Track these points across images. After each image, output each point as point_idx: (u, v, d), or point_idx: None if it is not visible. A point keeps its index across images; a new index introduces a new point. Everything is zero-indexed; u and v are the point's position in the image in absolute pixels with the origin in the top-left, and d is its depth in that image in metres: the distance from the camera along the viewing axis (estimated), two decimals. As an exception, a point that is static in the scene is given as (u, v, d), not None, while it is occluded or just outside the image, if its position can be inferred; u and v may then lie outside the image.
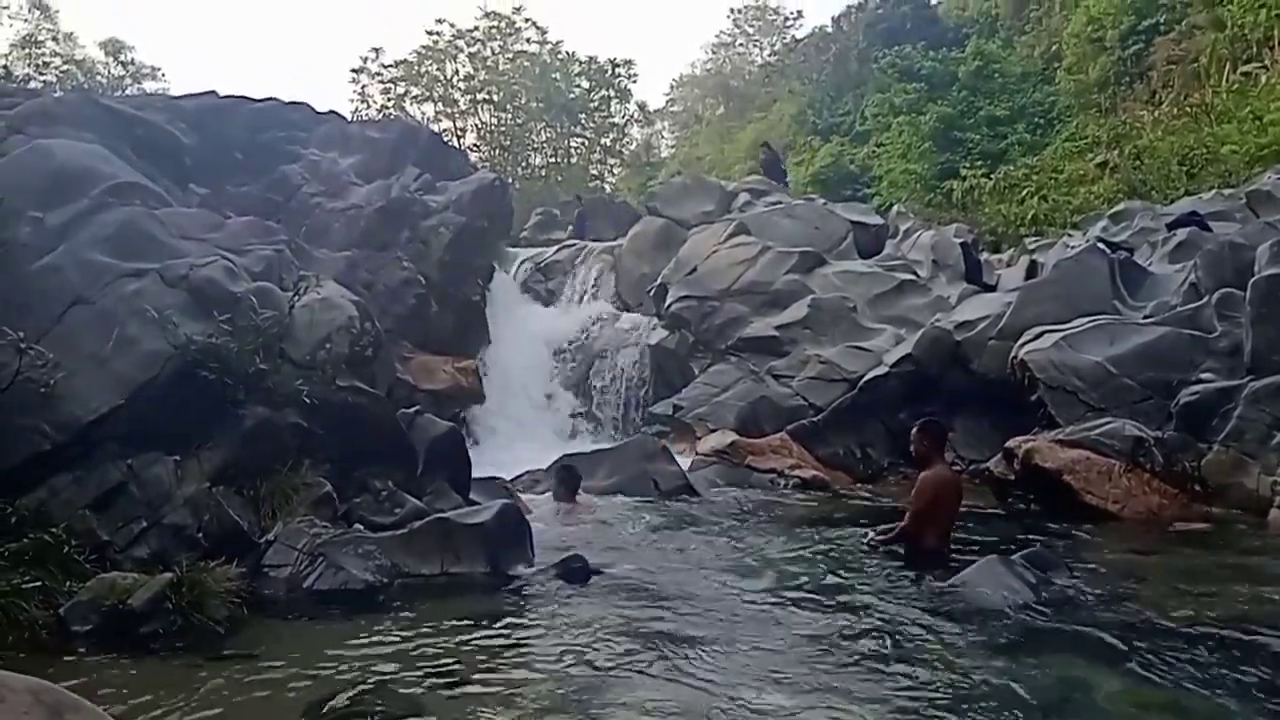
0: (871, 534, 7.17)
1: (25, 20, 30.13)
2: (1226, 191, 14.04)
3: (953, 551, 6.75)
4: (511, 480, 9.79)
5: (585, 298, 16.67)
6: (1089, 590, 5.84)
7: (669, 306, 14.66)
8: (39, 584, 4.98)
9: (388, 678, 4.33)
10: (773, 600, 5.70)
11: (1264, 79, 19.07)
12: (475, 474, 8.34)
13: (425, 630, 5.12)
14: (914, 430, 7.08)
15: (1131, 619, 5.22)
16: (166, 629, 4.96)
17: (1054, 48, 27.12)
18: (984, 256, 15.90)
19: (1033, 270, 13.33)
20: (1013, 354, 10.32)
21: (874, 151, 28.95)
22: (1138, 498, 8.32)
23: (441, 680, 4.31)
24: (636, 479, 10.04)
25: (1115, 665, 4.47)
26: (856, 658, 4.60)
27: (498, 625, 5.27)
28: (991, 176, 22.73)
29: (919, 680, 4.27)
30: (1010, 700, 4.02)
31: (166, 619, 5.00)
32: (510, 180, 26.27)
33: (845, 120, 33.00)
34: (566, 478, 9.19)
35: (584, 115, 37.70)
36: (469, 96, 36.44)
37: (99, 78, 30.73)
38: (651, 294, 15.50)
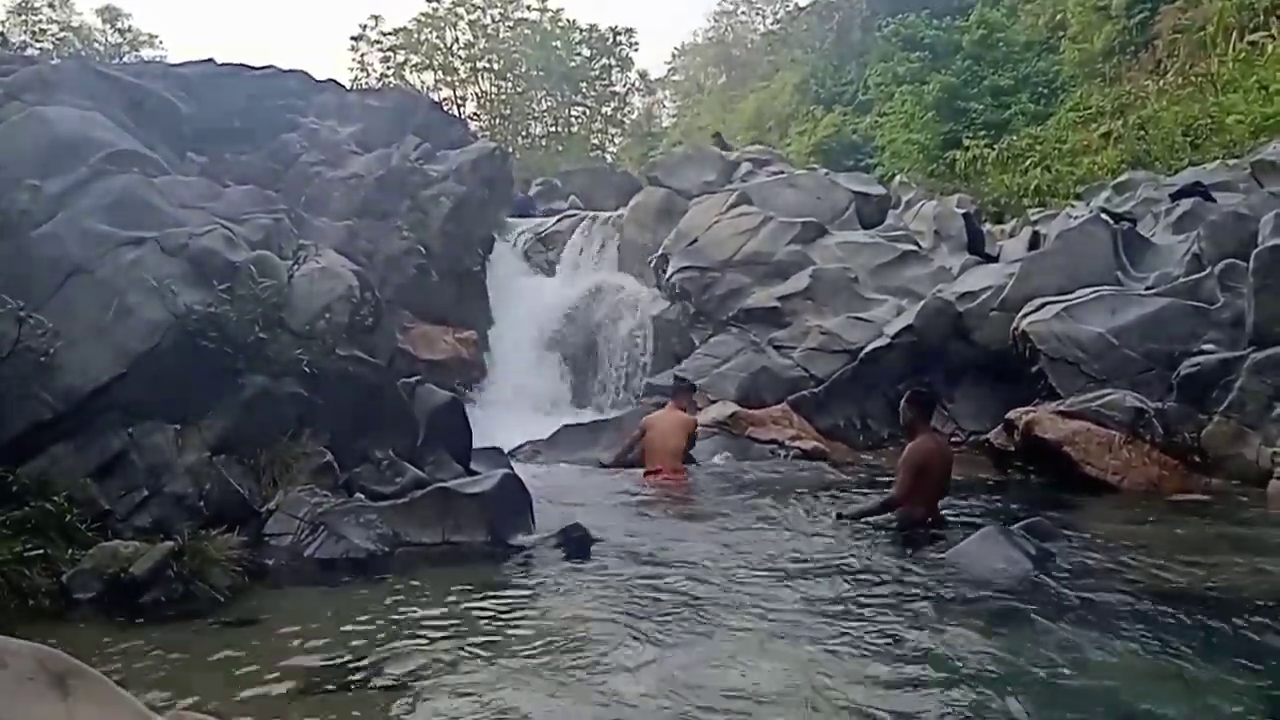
0: (844, 510, 7.15)
1: (21, -14, 29.90)
2: (1231, 162, 13.96)
3: (944, 521, 6.75)
4: (512, 450, 9.80)
5: (586, 268, 16.61)
6: (1088, 561, 5.86)
7: (670, 277, 14.61)
8: (41, 552, 5.00)
9: (389, 645, 4.35)
10: (771, 570, 5.72)
11: (1270, 48, 18.90)
12: (476, 444, 8.35)
13: (426, 598, 5.14)
14: (902, 400, 7.11)
15: (1131, 589, 5.23)
16: (168, 597, 4.99)
17: (1058, 16, 26.86)
18: (986, 227, 15.83)
19: (1035, 241, 13.27)
20: (1014, 325, 10.30)
21: (877, 121, 28.79)
22: (1138, 469, 8.34)
23: (442, 648, 4.32)
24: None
25: (1115, 636, 4.48)
26: (855, 628, 4.61)
27: (499, 593, 5.29)
28: (995, 146, 22.61)
29: (917, 650, 4.29)
30: (1009, 670, 4.04)
31: (168, 587, 5.02)
32: (510, 149, 26.13)
33: (848, 90, 32.79)
34: (682, 384, 9.71)
35: (585, 84, 37.50)
36: (469, 65, 36.22)
37: (96, 45, 30.54)
38: (652, 265, 15.45)
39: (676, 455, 8.95)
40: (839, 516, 7.06)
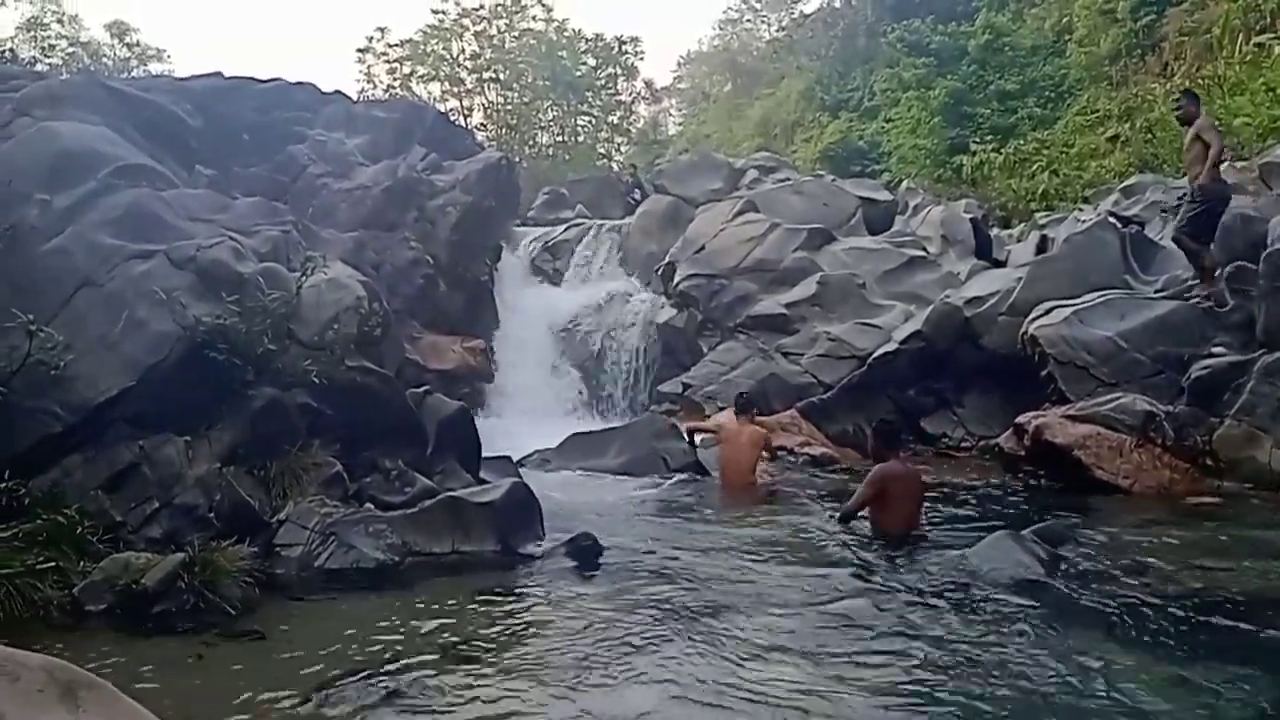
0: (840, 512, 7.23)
1: (30, 2, 30.05)
2: (1239, 164, 13.89)
3: (925, 537, 6.72)
4: (521, 459, 9.80)
5: (593, 277, 16.64)
6: (1100, 565, 5.83)
7: (677, 285, 14.62)
8: (53, 564, 5.02)
9: (400, 655, 4.35)
10: (781, 577, 5.71)
11: (1277, 50, 18.82)
12: (485, 453, 8.36)
13: (436, 608, 5.15)
14: (869, 431, 7.50)
15: (1142, 594, 5.21)
16: (179, 608, 5.00)
17: (1065, 20, 26.80)
18: (994, 232, 15.81)
19: (1043, 245, 13.23)
20: (1023, 329, 10.27)
21: (883, 127, 28.74)
22: (1148, 473, 8.30)
23: (453, 658, 4.33)
24: (646, 457, 10.05)
25: (1127, 640, 4.47)
26: (866, 634, 4.60)
27: (508, 603, 5.29)
28: (1001, 151, 22.55)
29: (930, 655, 4.27)
30: (1021, 675, 4.02)
31: (179, 598, 5.03)
32: (517, 159, 26.18)
33: (854, 96, 32.75)
34: (743, 400, 9.86)
35: (591, 93, 37.54)
36: (475, 75, 36.31)
37: (104, 60, 30.70)
38: (660, 272, 15.46)
39: (751, 470, 9.31)
40: (833, 517, 7.18)
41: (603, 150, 39.09)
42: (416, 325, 13.45)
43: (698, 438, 10.25)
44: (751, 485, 9.22)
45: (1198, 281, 9.63)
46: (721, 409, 11.80)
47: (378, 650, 4.42)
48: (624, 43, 38.04)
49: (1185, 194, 9.75)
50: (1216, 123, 12.40)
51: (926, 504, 7.20)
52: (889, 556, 6.18)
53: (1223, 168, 9.82)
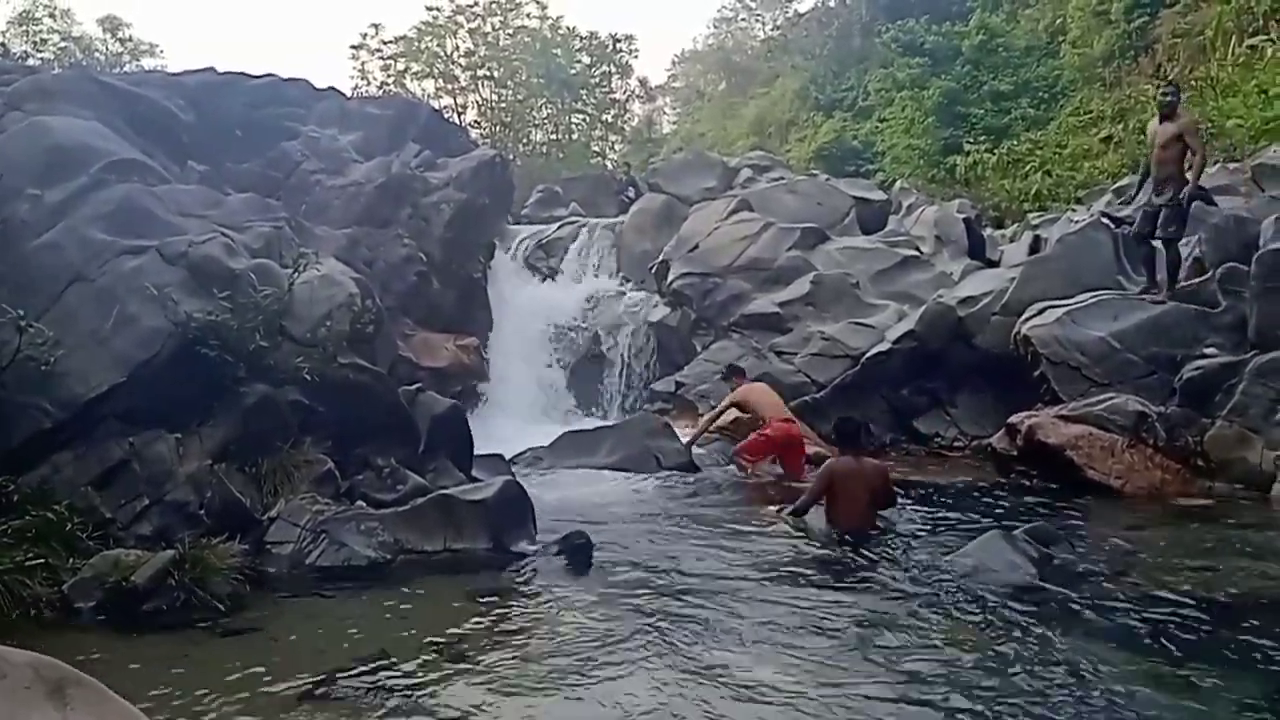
0: (785, 508, 7.40)
1: (22, -3, 29.89)
2: (1231, 165, 13.92)
3: (876, 532, 6.78)
4: (514, 457, 9.79)
5: (587, 275, 16.61)
6: (1091, 565, 5.85)
7: (671, 283, 14.61)
8: (42, 561, 5.01)
9: (390, 653, 4.34)
10: (774, 577, 5.70)
11: (1270, 52, 18.86)
12: (477, 451, 8.34)
13: (428, 606, 5.14)
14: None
15: (1134, 594, 5.22)
16: (170, 605, 4.99)
17: (1058, 21, 26.85)
18: (987, 232, 15.82)
19: (1036, 245, 13.25)
20: (1016, 329, 10.29)
21: (877, 127, 28.77)
22: (1140, 473, 8.31)
23: (444, 656, 4.32)
24: (639, 456, 10.04)
25: (1118, 640, 4.47)
26: (858, 635, 4.60)
27: (500, 601, 5.28)
28: (995, 151, 22.61)
29: (920, 656, 4.27)
30: (1013, 675, 4.02)
31: (170, 595, 5.02)
32: (511, 157, 26.10)
33: (848, 95, 32.76)
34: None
35: (585, 91, 37.45)
36: (469, 73, 36.18)
37: (97, 54, 30.53)
38: (653, 271, 15.45)
39: (783, 409, 10.19)
40: (780, 514, 7.34)
41: (597, 148, 39.00)
42: (409, 322, 13.40)
43: (699, 439, 10.57)
44: (796, 424, 10.02)
45: (1196, 281, 9.62)
46: (714, 407, 11.79)
47: (368, 648, 4.41)
48: (618, 41, 37.97)
49: (1168, 200, 9.64)
50: (1210, 124, 12.47)
51: (910, 502, 7.23)
52: (881, 557, 6.18)
53: (1214, 169, 9.88)
